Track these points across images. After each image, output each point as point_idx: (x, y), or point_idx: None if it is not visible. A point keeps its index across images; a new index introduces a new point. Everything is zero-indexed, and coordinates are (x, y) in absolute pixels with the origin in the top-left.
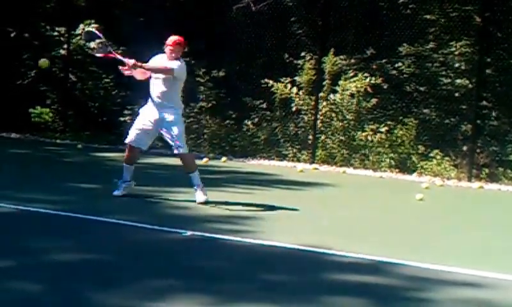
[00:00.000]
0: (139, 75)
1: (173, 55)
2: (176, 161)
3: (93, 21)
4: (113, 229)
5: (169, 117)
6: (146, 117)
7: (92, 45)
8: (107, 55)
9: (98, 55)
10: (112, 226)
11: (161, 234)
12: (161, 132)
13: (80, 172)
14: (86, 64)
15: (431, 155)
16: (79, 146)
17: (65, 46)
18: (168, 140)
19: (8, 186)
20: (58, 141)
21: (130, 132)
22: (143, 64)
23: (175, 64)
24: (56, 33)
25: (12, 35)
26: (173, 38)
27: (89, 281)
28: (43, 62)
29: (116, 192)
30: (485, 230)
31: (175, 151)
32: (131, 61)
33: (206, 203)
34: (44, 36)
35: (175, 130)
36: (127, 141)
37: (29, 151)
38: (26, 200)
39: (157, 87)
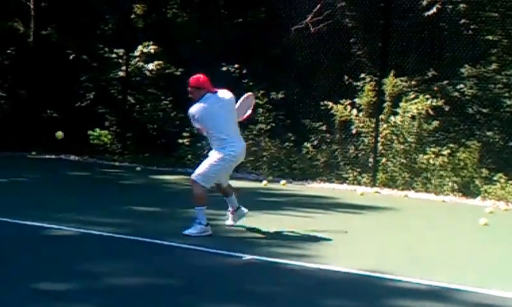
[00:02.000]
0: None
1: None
2: (235, 184)
3: (151, 43)
4: (173, 252)
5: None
6: None
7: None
8: None
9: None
10: (172, 249)
11: (221, 258)
12: None
13: (139, 194)
14: (144, 86)
15: (495, 178)
16: (138, 168)
17: (124, 68)
18: None
19: (68, 209)
20: (117, 163)
21: None
22: None
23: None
24: (114, 55)
25: (71, 57)
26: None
27: (149, 305)
28: (59, 134)
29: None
30: None
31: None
32: None
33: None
34: (102, 58)
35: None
36: None
37: (88, 174)
38: (86, 223)
39: None
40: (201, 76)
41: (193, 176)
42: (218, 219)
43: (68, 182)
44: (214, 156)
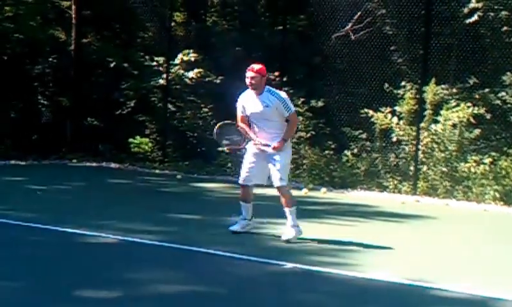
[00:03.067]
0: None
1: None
2: (275, 192)
3: (191, 51)
4: (214, 260)
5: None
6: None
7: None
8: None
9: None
10: (213, 257)
11: (261, 266)
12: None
13: (180, 202)
14: (185, 93)
15: None
16: (178, 176)
17: (164, 76)
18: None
19: (109, 216)
20: (157, 171)
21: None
22: (285, 139)
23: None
24: (154, 63)
25: (111, 65)
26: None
27: None
28: None
29: (232, 228)
30: None
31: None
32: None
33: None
34: (143, 66)
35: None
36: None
37: (129, 182)
38: (127, 230)
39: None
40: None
41: (279, 183)
42: (259, 227)
43: (109, 190)
44: (282, 153)
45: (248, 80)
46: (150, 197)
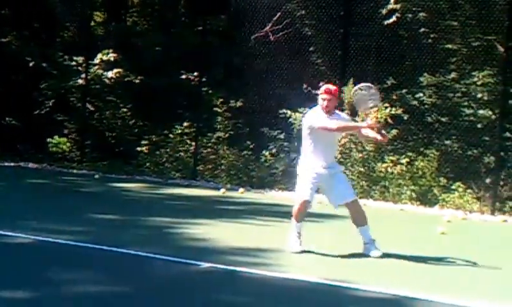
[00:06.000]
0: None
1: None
2: (194, 192)
3: (110, 50)
4: (131, 260)
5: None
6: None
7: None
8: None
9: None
10: (131, 257)
11: (179, 266)
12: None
13: (97, 202)
14: (104, 93)
15: (453, 187)
16: (96, 176)
17: (83, 75)
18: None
19: (26, 216)
20: (75, 171)
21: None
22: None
23: None
24: (73, 63)
25: (30, 65)
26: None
27: None
28: None
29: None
30: (509, 265)
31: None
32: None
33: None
34: (62, 66)
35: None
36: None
37: (47, 182)
38: (44, 230)
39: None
40: None
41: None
42: (177, 227)
43: (27, 190)
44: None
45: (324, 103)
46: (68, 197)
